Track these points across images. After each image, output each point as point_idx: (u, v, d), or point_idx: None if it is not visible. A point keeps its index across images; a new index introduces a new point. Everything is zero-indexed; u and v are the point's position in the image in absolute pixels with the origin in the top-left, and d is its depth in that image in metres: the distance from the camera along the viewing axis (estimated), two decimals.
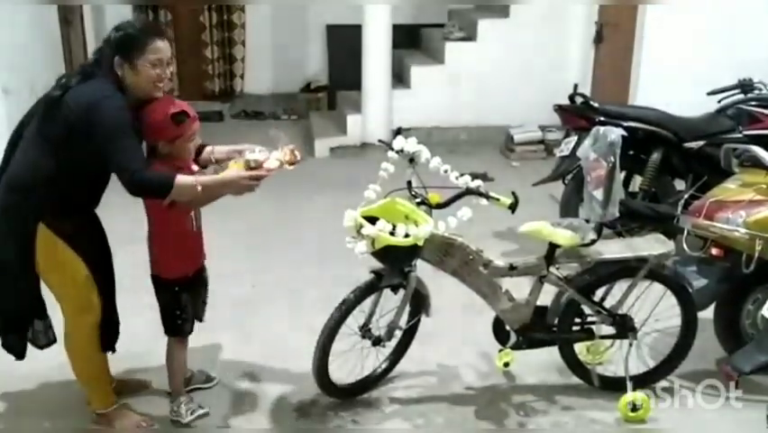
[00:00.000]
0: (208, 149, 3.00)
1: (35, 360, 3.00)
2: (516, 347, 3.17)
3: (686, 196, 4.19)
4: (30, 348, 2.96)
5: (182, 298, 2.93)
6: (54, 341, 2.98)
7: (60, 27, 6.57)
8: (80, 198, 2.79)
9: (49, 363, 3.12)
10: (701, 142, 4.35)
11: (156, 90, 2.71)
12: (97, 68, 2.69)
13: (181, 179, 2.62)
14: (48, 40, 6.23)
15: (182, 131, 2.73)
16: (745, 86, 4.53)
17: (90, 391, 3.00)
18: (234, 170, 2.72)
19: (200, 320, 3.10)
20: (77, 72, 2.73)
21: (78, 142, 2.61)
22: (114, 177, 2.67)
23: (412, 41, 8.20)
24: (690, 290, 3.20)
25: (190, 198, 2.70)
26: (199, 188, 2.64)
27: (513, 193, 2.87)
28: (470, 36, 7.43)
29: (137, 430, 3.00)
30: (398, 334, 3.21)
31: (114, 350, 3.07)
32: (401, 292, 3.06)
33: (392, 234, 2.75)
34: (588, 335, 3.22)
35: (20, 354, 2.94)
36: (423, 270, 3.05)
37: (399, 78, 7.51)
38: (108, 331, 2.98)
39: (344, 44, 7.71)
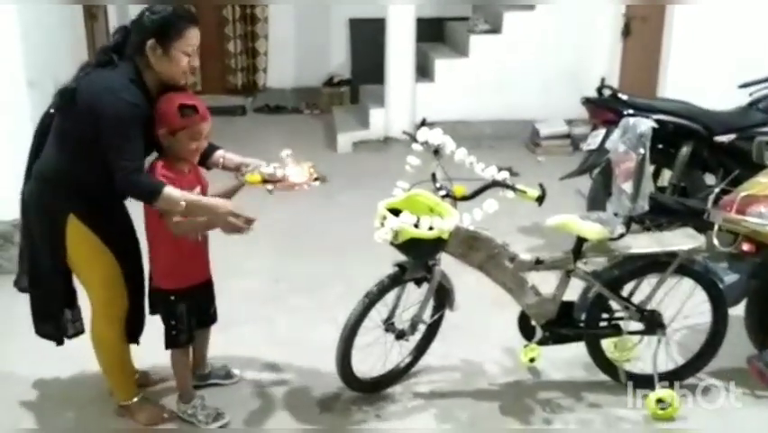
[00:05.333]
0: (219, 152, 2.94)
1: (62, 349, 3.03)
2: (541, 343, 3.13)
3: (717, 190, 4.10)
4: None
5: (178, 308, 2.84)
6: (82, 331, 2.99)
7: (85, 21, 6.60)
8: (108, 190, 2.73)
9: (73, 353, 3.12)
10: (732, 136, 4.27)
11: (183, 78, 2.70)
12: (117, 53, 2.64)
13: (169, 190, 2.57)
14: (73, 34, 6.25)
15: (185, 124, 2.63)
16: None
17: (113, 382, 3.00)
18: (223, 202, 2.68)
19: (206, 325, 3.06)
20: (95, 58, 2.69)
21: (91, 134, 2.57)
22: None
23: (436, 34, 8.13)
24: (721, 286, 3.14)
25: (173, 213, 2.61)
26: (183, 203, 2.57)
27: (540, 185, 2.83)
28: (495, 29, 7.36)
29: (158, 422, 2.99)
30: (422, 328, 3.18)
31: (138, 342, 3.07)
32: (425, 286, 3.03)
33: (416, 226, 2.72)
34: (615, 331, 3.17)
35: (58, 340, 2.98)
36: (447, 263, 3.01)
37: (423, 71, 7.46)
38: (134, 323, 2.98)
39: (367, 38, 7.67)
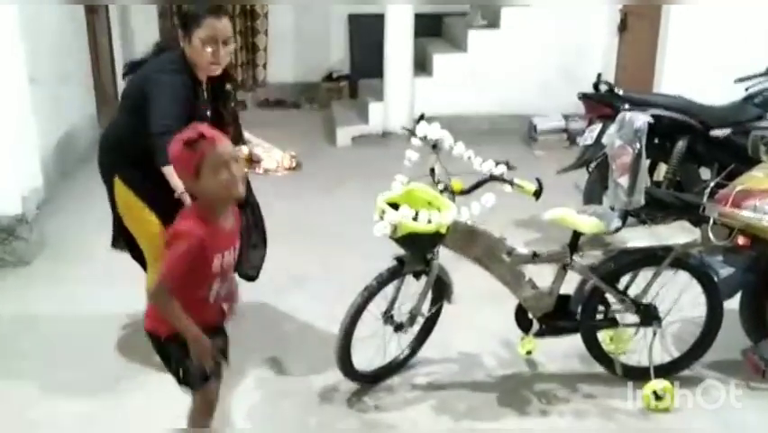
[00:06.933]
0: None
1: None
2: (538, 335, 3.16)
3: (712, 184, 4.13)
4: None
5: (170, 349, 2.36)
6: None
7: (86, 15, 6.61)
8: (148, 159, 2.82)
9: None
10: (728, 130, 4.29)
11: (210, 68, 2.90)
12: (173, 41, 2.93)
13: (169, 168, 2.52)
14: (73, 28, 6.27)
15: (199, 155, 2.15)
16: None
17: None
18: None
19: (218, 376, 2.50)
20: (158, 45, 3.06)
21: (138, 109, 2.83)
22: None
23: (434, 29, 8.15)
24: (716, 279, 3.17)
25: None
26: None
27: (537, 180, 2.85)
28: (493, 24, 7.37)
29: None
30: (421, 320, 3.21)
31: None
32: (423, 279, 3.06)
33: (415, 220, 2.75)
34: (611, 323, 3.20)
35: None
36: (445, 257, 3.05)
37: (422, 66, 7.48)
38: None
39: (366, 33, 7.69)
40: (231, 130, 3.05)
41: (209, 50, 2.82)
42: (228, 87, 3.10)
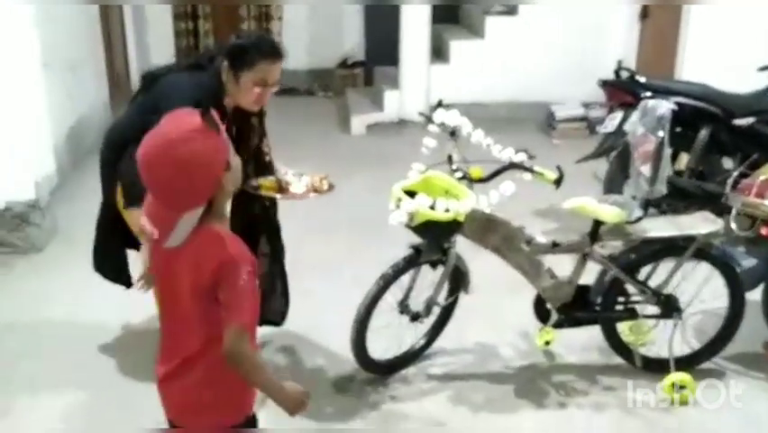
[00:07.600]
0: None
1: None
2: (557, 326, 3.12)
3: (735, 174, 4.07)
4: None
5: None
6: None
7: (99, 3, 6.59)
8: None
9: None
10: (751, 119, 4.23)
11: (251, 106, 2.73)
12: (209, 63, 2.70)
13: None
14: (86, 15, 6.25)
15: (224, 140, 1.74)
16: None
17: None
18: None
19: None
20: (191, 58, 2.88)
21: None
22: None
23: (451, 15, 8.07)
24: (738, 271, 3.11)
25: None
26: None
27: (558, 167, 2.80)
28: (511, 10, 7.28)
29: None
30: (437, 310, 3.18)
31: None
32: (440, 268, 3.02)
33: (432, 208, 2.71)
34: (631, 314, 3.15)
35: (115, 280, 3.11)
36: (463, 246, 3.00)
37: (438, 53, 7.41)
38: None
39: (382, 19, 7.61)
40: (247, 162, 2.86)
41: (256, 91, 2.65)
42: (254, 121, 2.90)
